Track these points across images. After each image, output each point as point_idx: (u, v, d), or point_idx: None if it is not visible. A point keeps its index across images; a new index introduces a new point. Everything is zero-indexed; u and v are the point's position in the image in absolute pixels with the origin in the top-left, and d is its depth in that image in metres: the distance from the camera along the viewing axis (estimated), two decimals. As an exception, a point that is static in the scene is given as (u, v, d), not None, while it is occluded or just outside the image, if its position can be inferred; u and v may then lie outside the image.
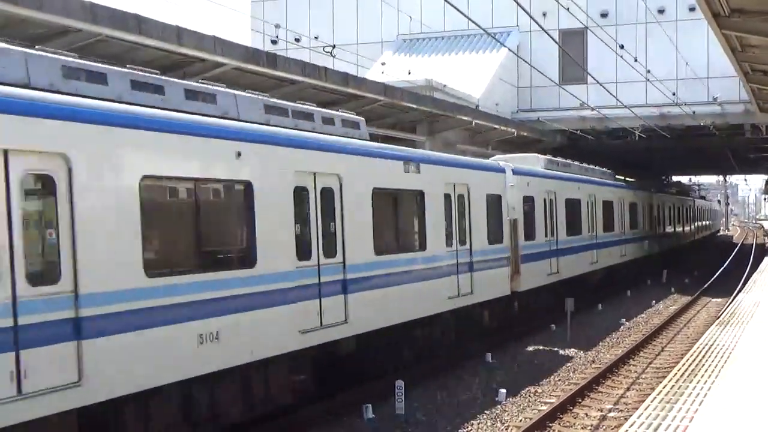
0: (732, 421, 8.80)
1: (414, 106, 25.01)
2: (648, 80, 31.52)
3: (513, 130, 32.44)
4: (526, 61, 30.90)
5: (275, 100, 12.68)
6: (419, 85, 28.94)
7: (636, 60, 29.48)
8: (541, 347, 19.58)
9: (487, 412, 13.55)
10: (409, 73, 30.94)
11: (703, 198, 75.50)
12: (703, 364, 11.75)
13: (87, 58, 9.92)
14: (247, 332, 10.68)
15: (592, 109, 31.50)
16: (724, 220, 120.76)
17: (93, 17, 13.98)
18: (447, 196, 16.37)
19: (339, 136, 13.48)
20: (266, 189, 11.15)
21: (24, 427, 7.80)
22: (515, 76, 39.01)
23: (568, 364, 17.62)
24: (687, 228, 53.44)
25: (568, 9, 20.69)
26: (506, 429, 12.75)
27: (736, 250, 59.78)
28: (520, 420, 13.13)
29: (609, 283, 30.13)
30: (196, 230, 10.16)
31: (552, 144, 37.37)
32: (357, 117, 14.77)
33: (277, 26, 31.90)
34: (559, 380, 16.12)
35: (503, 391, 14.62)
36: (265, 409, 11.47)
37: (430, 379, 15.66)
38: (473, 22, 15.54)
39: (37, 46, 9.33)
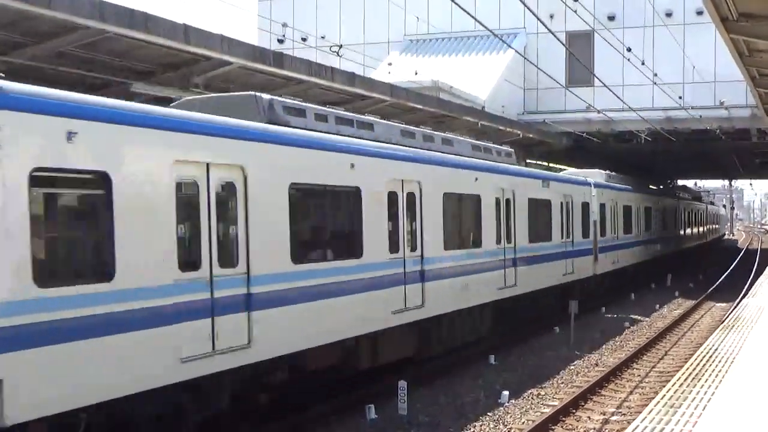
0: (736, 426, 8.79)
1: (420, 106, 25.01)
2: (655, 83, 31.47)
3: (519, 131, 32.41)
4: (532, 63, 30.85)
5: (474, 141, 19.22)
6: (426, 85, 28.92)
7: (643, 63, 29.46)
8: (544, 349, 19.56)
9: (490, 413, 13.55)
10: (416, 73, 30.92)
11: (712, 203, 77.87)
12: (707, 369, 11.73)
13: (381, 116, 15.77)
14: (477, 286, 17.31)
15: (599, 111, 31.46)
16: (729, 224, 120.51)
17: (100, 14, 14.00)
18: (561, 204, 23.08)
19: (507, 164, 20.31)
20: (486, 199, 17.89)
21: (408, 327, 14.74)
22: (522, 77, 38.96)
23: (572, 367, 17.61)
24: (701, 229, 61.76)
25: (575, 11, 20.64)
26: (509, 431, 12.74)
27: (741, 254, 59.66)
28: (523, 422, 13.12)
29: (642, 274, 35.50)
30: (461, 225, 17.17)
31: (558, 146, 37.34)
32: (510, 149, 21.55)
33: (284, 25, 31.82)
34: (562, 383, 16.10)
35: (506, 392, 14.61)
36: (471, 337, 17.93)
37: (433, 380, 15.66)
38: (480, 23, 15.53)
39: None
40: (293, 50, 32.24)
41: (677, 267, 40.22)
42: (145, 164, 9.25)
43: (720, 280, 37.60)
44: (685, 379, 11.09)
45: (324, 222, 13.21)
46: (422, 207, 15.10)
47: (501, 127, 30.74)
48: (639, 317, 25.59)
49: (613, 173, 32.68)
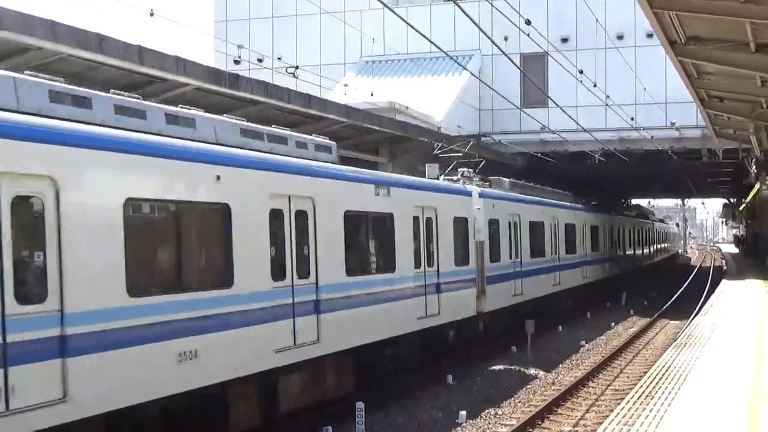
0: (688, 442, 8.90)
1: (376, 128, 25.09)
2: (607, 105, 31.96)
3: (474, 152, 32.56)
4: (487, 85, 31.18)
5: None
6: (382, 106, 29.05)
7: (595, 85, 29.89)
8: (502, 368, 19.61)
9: (448, 434, 13.55)
10: (372, 94, 31.04)
11: (669, 224, 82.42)
12: (661, 386, 11.88)
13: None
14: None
15: (553, 132, 31.84)
16: (682, 242, 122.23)
17: (53, 35, 13.87)
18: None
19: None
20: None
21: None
22: (477, 98, 39.31)
23: (529, 386, 17.69)
24: (662, 246, 68.52)
25: (528, 35, 20.90)
26: (466, 451, 12.76)
27: (694, 272, 60.47)
28: (480, 442, 13.15)
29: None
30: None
31: (513, 167, 37.66)
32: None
33: (240, 47, 31.80)
34: (519, 402, 16.17)
35: (463, 412, 14.63)
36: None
37: (391, 401, 15.62)
38: (435, 45, 15.69)
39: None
40: (249, 71, 32.20)
41: (613, 293, 36.82)
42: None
43: (673, 298, 38.03)
44: (639, 397, 11.21)
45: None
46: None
47: (456, 148, 30.89)
48: (595, 335, 25.81)
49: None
